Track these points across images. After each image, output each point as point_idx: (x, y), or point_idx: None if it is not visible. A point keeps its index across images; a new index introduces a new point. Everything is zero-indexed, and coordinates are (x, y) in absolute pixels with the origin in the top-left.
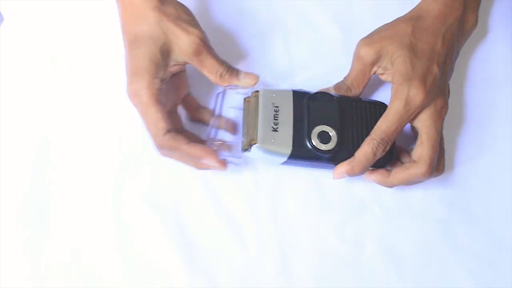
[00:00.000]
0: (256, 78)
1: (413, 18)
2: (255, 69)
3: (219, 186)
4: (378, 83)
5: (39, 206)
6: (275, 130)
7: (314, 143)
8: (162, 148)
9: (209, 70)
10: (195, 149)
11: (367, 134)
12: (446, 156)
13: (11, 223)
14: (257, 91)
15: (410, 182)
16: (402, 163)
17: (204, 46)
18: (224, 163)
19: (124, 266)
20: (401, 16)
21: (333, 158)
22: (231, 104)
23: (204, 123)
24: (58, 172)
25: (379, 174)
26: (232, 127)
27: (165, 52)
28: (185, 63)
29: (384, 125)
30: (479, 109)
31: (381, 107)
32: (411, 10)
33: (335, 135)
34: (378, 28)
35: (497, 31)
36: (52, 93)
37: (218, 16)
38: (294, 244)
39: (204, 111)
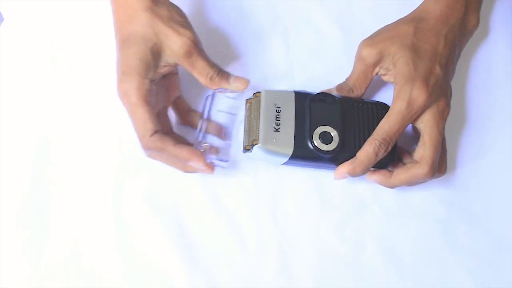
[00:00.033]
0: (247, 82)
1: (415, 19)
2: (255, 69)
3: (219, 186)
4: (380, 84)
5: (39, 206)
6: (276, 130)
7: (315, 144)
8: (149, 149)
9: (200, 72)
10: (181, 151)
11: (369, 134)
12: (447, 156)
13: (11, 223)
14: (259, 92)
15: (412, 183)
16: (404, 163)
17: (195, 48)
18: (211, 166)
19: (124, 266)
20: (403, 17)
21: (335, 158)
22: (220, 108)
23: (194, 126)
24: (58, 172)
25: (381, 175)
26: (220, 132)
27: (156, 53)
28: (175, 65)
29: (386, 126)
30: (480, 109)
31: (383, 108)
32: (413, 11)
33: (337, 136)
34: (380, 29)
35: (498, 32)
36: (52, 93)
37: (218, 16)
38: (294, 244)
39: (194, 114)
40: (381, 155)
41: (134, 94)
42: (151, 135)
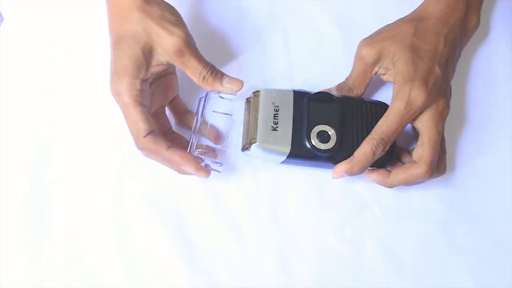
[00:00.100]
0: (240, 84)
1: (415, 19)
2: (254, 69)
3: (219, 186)
4: (380, 83)
5: (39, 206)
6: (274, 129)
7: (313, 143)
8: (143, 150)
9: (192, 71)
10: (173, 155)
11: (368, 134)
12: (446, 156)
13: (11, 223)
14: (258, 91)
15: (410, 183)
16: (403, 163)
17: (187, 47)
18: (205, 171)
19: (124, 266)
20: (403, 17)
21: (332, 157)
22: (215, 108)
23: (189, 128)
24: (58, 172)
25: (379, 174)
26: (214, 135)
27: (147, 53)
28: (168, 64)
29: (384, 125)
30: (480, 109)
31: (382, 107)
32: (413, 11)
33: (335, 135)
34: (379, 29)
35: (499, 32)
36: (52, 93)
37: (218, 15)
38: (294, 244)
39: (190, 116)
40: (378, 154)
41: (126, 95)
42: (145, 136)
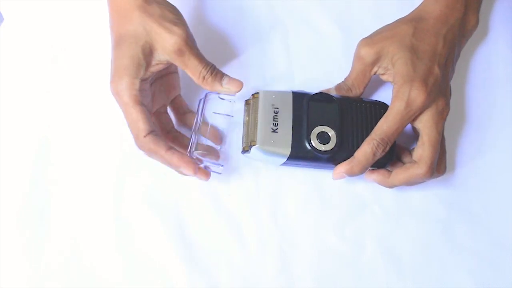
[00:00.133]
0: (240, 85)
1: (414, 19)
2: (254, 69)
3: (219, 186)
4: (380, 83)
5: (39, 206)
6: (274, 131)
7: (313, 144)
8: (142, 149)
9: (192, 71)
10: (172, 158)
11: (368, 134)
12: (446, 156)
13: (11, 223)
14: (257, 93)
15: (410, 183)
16: (403, 163)
17: (187, 46)
18: (205, 173)
19: (124, 266)
20: (402, 17)
21: (333, 158)
22: (216, 110)
23: (190, 128)
24: (58, 172)
25: (379, 174)
26: (215, 136)
27: (147, 52)
28: (167, 63)
29: (384, 126)
30: (480, 109)
31: (382, 107)
32: (412, 12)
33: (335, 136)
34: (379, 29)
35: (498, 32)
36: (52, 93)
37: (218, 16)
38: (294, 244)
39: (191, 116)
40: (379, 155)
41: (125, 94)
42: (145, 136)
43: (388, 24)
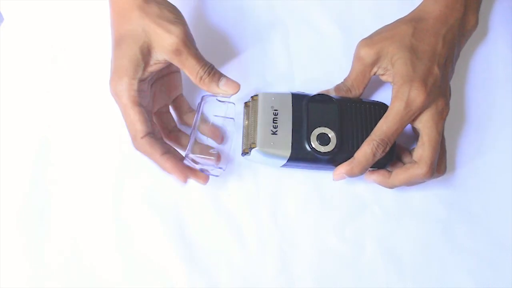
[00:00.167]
0: (237, 87)
1: (414, 20)
2: (255, 69)
3: (219, 186)
4: (379, 84)
5: (39, 206)
6: (274, 133)
7: (313, 145)
8: (139, 151)
9: (190, 71)
10: (166, 163)
11: (367, 135)
12: (446, 156)
13: (11, 223)
14: (257, 95)
15: (411, 183)
16: (404, 163)
17: (185, 46)
18: (204, 177)
19: (124, 266)
20: (402, 18)
21: (333, 159)
22: (216, 112)
23: (191, 128)
24: (58, 172)
25: (379, 175)
26: (215, 135)
27: (146, 52)
28: (166, 62)
29: (384, 126)
30: (480, 109)
31: (382, 108)
32: (412, 12)
33: (335, 137)
34: (378, 29)
35: (497, 32)
36: (52, 93)
37: (218, 16)
38: (294, 244)
39: (193, 116)
40: (379, 155)
41: (124, 95)
42: (142, 137)
43: (388, 25)
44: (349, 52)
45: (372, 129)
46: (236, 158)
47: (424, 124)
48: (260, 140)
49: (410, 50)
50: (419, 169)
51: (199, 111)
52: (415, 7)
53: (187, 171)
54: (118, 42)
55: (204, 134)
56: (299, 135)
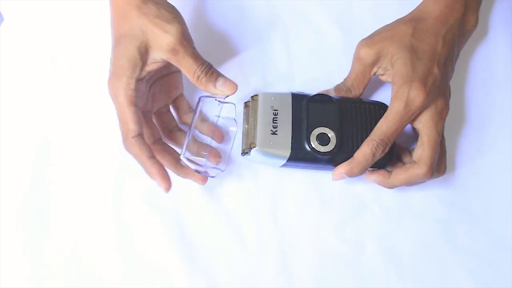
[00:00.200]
0: (234, 88)
1: (413, 20)
2: (255, 69)
3: (219, 186)
4: (379, 84)
5: (39, 206)
6: (274, 133)
7: (313, 145)
8: (129, 151)
9: (187, 70)
10: (151, 167)
11: (367, 135)
12: (446, 156)
13: (11, 223)
14: (256, 95)
15: (410, 183)
16: (403, 163)
17: (181, 45)
18: (202, 178)
19: (124, 266)
20: (402, 18)
21: (333, 159)
22: (216, 112)
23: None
24: (58, 172)
25: (379, 175)
26: (215, 134)
27: (143, 51)
28: (163, 61)
29: (384, 126)
30: (479, 109)
31: (381, 108)
32: (412, 12)
33: (334, 137)
34: (378, 29)
35: (497, 32)
36: (52, 93)
37: (218, 15)
38: (294, 244)
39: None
40: (378, 155)
41: (121, 94)
42: (132, 137)
43: (388, 24)
44: (349, 52)
45: (372, 129)
46: (236, 158)
47: (424, 124)
48: (260, 140)
49: (410, 50)
50: (419, 169)
51: (196, 112)
52: (415, 7)
53: (169, 180)
54: (117, 42)
55: (204, 134)
56: (299, 135)
